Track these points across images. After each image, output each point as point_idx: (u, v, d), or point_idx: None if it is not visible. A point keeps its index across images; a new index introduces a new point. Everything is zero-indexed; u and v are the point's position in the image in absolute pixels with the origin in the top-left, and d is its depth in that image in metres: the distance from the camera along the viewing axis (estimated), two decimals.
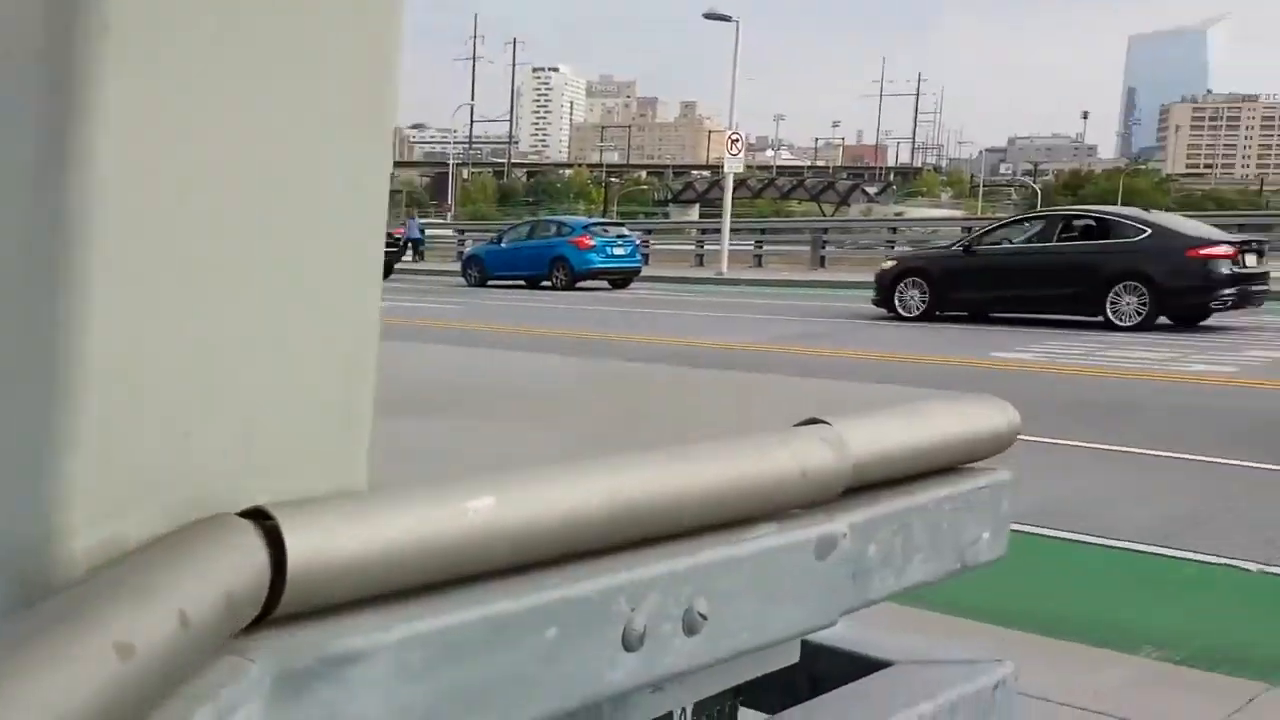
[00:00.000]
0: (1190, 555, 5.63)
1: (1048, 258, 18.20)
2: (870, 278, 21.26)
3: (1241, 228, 22.72)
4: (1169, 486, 7.16)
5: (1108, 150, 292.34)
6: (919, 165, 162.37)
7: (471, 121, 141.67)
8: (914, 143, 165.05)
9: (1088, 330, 17.12)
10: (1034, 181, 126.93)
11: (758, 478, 1.01)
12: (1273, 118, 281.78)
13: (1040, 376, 12.39)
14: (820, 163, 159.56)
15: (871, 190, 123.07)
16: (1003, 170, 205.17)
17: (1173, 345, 14.84)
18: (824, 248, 34.73)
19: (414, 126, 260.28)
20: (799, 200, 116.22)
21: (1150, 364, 13.18)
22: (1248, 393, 11.18)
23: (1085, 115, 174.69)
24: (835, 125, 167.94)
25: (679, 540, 0.93)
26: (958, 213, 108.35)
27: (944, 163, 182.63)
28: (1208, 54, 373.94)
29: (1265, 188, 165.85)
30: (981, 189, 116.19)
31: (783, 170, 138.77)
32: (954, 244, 20.19)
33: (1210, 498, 6.79)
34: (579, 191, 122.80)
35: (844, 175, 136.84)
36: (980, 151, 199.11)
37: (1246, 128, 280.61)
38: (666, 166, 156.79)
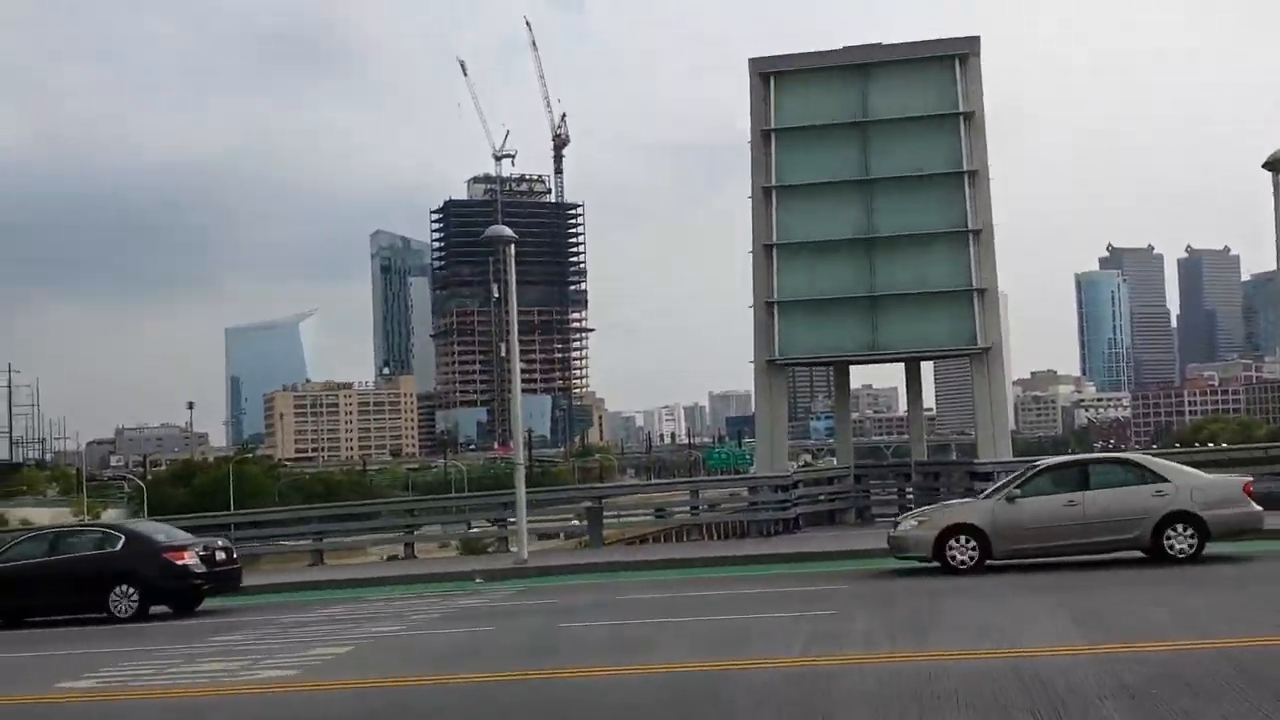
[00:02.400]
0: None
1: (58, 566, 21.94)
2: None
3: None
4: None
5: (219, 438, 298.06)
6: (19, 461, 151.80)
7: None
8: (11, 437, 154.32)
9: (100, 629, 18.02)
10: (146, 475, 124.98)
11: None
12: (367, 403, 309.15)
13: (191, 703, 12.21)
14: None
15: None
16: (114, 462, 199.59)
17: (240, 651, 15.42)
18: None
19: None
20: None
21: (220, 676, 13.62)
22: (315, 699, 11.98)
23: (191, 405, 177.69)
24: None
25: None
26: (67, 511, 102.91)
27: (49, 457, 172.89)
28: (302, 346, 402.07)
29: (369, 468, 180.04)
30: (85, 485, 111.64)
31: None
32: None
33: None
34: None
35: None
36: (86, 444, 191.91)
37: (345, 413, 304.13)
38: None
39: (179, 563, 21.50)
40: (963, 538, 19.57)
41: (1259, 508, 19.60)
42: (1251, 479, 20.34)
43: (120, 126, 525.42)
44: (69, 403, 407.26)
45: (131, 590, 21.17)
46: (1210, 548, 19.25)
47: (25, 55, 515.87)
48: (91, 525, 25.76)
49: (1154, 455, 23.83)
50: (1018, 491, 19.91)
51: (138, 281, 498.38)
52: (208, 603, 22.85)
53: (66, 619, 21.73)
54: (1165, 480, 19.51)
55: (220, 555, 22.43)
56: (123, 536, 22.28)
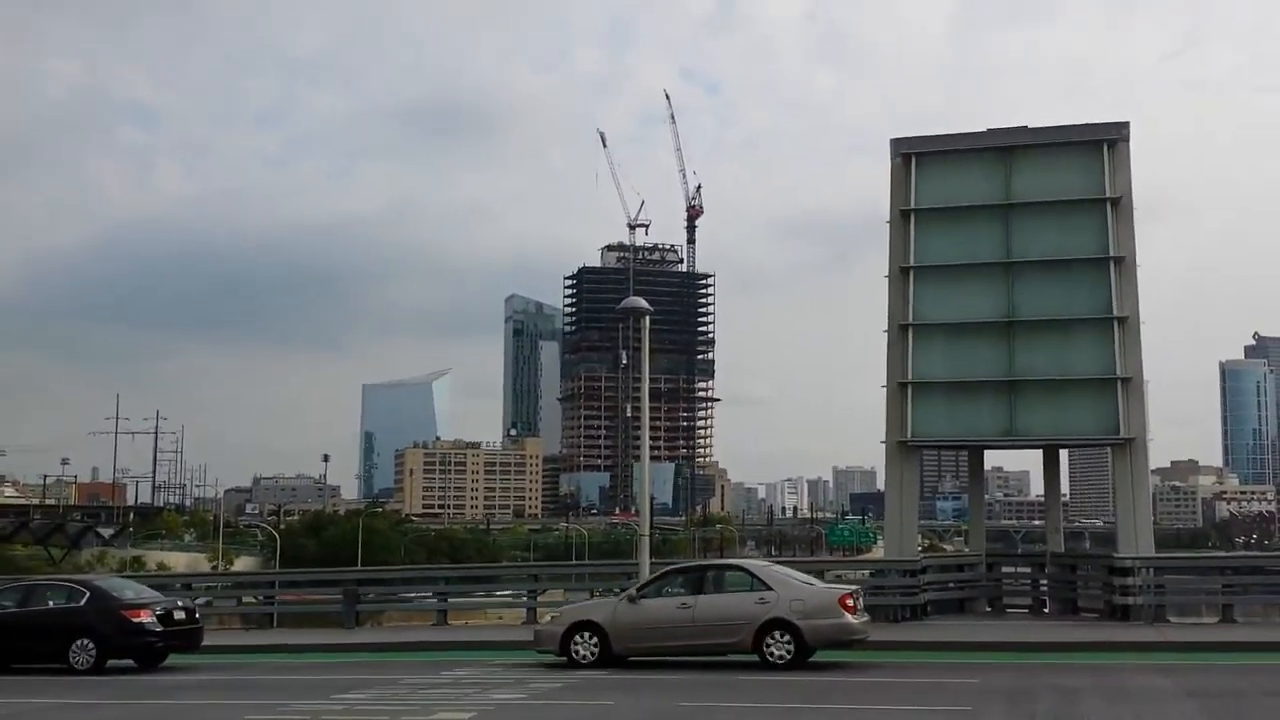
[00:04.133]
0: None
1: (26, 618, 22.78)
2: None
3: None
4: None
5: (350, 491, 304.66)
6: (161, 505, 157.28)
7: None
8: (154, 482, 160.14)
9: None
10: (279, 524, 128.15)
11: None
12: (493, 463, 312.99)
13: None
14: (51, 501, 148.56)
15: (106, 533, 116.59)
16: (249, 510, 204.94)
17: (364, 710, 15.52)
18: None
19: None
20: (24, 544, 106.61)
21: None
22: None
23: (326, 458, 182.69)
24: (65, 462, 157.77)
25: None
26: (202, 557, 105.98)
27: (188, 502, 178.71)
28: (434, 404, 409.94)
29: (492, 527, 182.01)
30: (222, 530, 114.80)
31: (5, 510, 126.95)
32: None
33: None
34: None
35: (78, 516, 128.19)
36: (224, 491, 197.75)
37: (472, 471, 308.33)
38: None
39: (135, 620, 22.33)
40: (587, 634, 20.75)
41: (854, 619, 20.09)
42: (852, 590, 20.87)
43: (272, 188, 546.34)
44: (211, 450, 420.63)
45: (89, 644, 22.08)
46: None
47: (191, 120, 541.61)
48: (63, 579, 26.33)
49: (774, 563, 24.19)
50: (635, 592, 21.21)
51: (280, 335, 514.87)
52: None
53: (43, 668, 22.46)
54: (770, 589, 20.20)
55: (180, 615, 23.25)
56: (87, 592, 23.06)
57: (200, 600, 34.45)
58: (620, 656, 20.71)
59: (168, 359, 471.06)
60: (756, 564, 22.82)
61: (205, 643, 26.60)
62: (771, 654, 19.74)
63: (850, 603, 20.25)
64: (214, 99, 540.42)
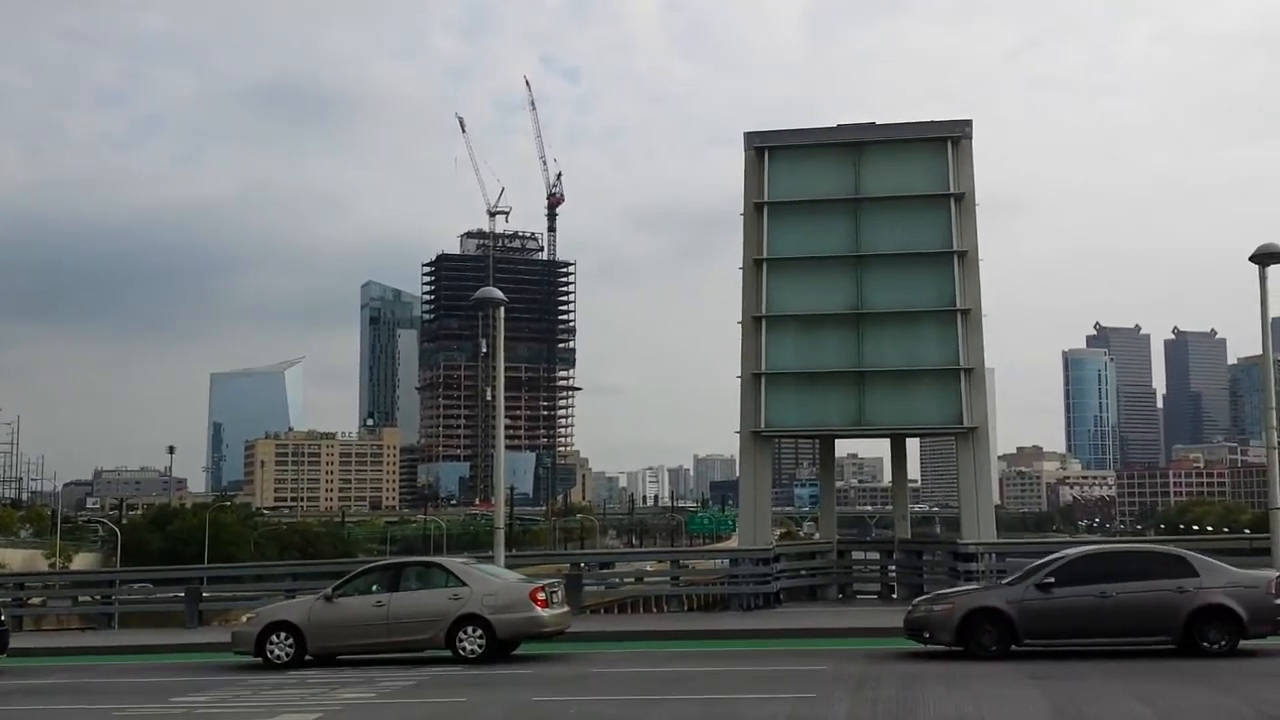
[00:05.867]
0: None
1: None
2: None
3: None
4: None
5: (198, 484, 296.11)
6: None
7: None
8: None
9: None
10: (121, 518, 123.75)
11: None
12: (349, 454, 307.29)
13: None
14: None
15: None
16: (90, 504, 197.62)
17: (204, 713, 15.12)
18: None
19: None
20: None
21: None
22: None
23: (171, 450, 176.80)
24: None
25: None
26: (40, 554, 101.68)
27: (25, 496, 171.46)
28: (286, 394, 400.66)
29: (346, 520, 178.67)
30: (60, 526, 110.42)
31: None
32: None
33: None
34: None
35: None
36: (63, 485, 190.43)
37: (326, 463, 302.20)
38: None
39: None
40: (282, 634, 20.67)
41: (544, 613, 20.43)
42: (544, 585, 21.15)
43: (117, 171, 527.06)
44: (49, 442, 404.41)
45: None
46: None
47: (33, 100, 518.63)
48: None
49: (475, 559, 24.40)
50: (332, 592, 21.12)
51: (125, 324, 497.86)
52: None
53: None
54: (464, 585, 20.51)
55: None
56: None
57: (35, 600, 33.17)
58: (318, 656, 20.75)
59: (6, 349, 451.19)
60: (453, 561, 22.90)
61: (38, 645, 25.64)
62: (464, 649, 20.09)
63: (542, 596, 20.56)
64: (55, 79, 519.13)
